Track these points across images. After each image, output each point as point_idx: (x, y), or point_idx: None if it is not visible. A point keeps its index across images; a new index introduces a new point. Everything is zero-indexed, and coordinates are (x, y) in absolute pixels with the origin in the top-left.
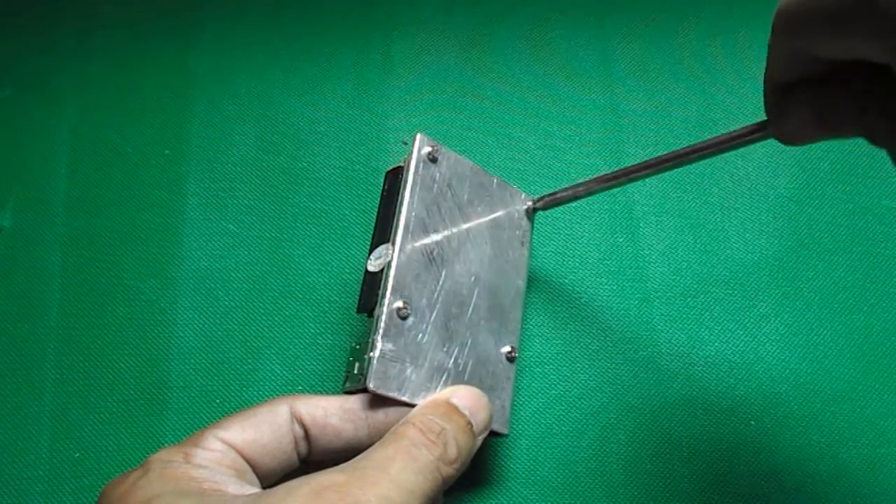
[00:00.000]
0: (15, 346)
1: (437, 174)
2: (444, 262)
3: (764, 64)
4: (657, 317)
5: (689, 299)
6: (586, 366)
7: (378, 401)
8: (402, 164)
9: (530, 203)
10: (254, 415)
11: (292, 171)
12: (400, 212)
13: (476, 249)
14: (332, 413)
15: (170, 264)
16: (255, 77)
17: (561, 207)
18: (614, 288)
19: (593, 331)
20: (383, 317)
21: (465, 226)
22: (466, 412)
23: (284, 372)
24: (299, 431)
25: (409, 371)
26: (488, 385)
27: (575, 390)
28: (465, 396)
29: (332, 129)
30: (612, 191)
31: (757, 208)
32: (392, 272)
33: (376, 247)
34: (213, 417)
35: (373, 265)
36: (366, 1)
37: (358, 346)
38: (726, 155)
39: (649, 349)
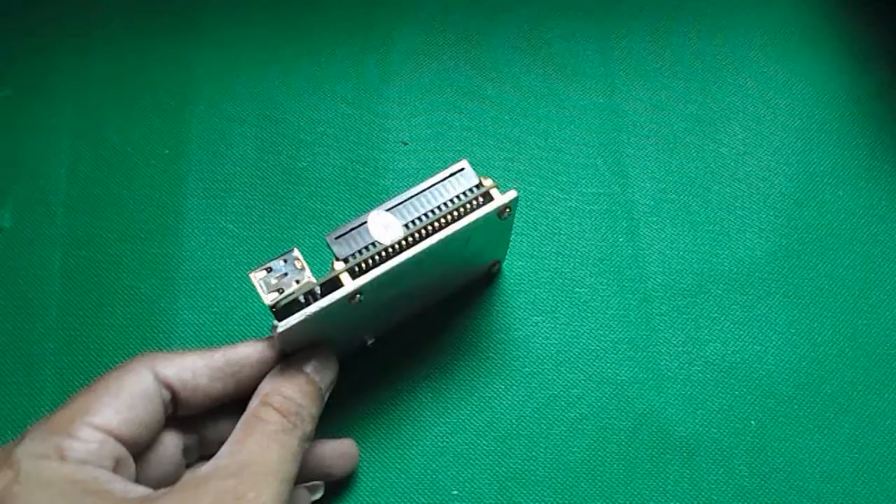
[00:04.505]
0: (15, 345)
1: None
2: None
3: (762, 63)
4: (657, 316)
5: (688, 299)
6: (585, 365)
7: (242, 349)
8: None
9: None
10: (121, 389)
11: (292, 171)
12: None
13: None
14: (201, 374)
15: (170, 264)
16: (255, 77)
17: (560, 208)
18: (614, 288)
19: (593, 331)
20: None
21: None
22: (317, 378)
23: None
24: (167, 395)
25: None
26: None
27: (573, 390)
28: (316, 362)
29: (332, 129)
30: (611, 191)
31: (757, 208)
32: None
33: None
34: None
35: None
36: (366, 1)
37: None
38: (726, 154)
39: (649, 349)
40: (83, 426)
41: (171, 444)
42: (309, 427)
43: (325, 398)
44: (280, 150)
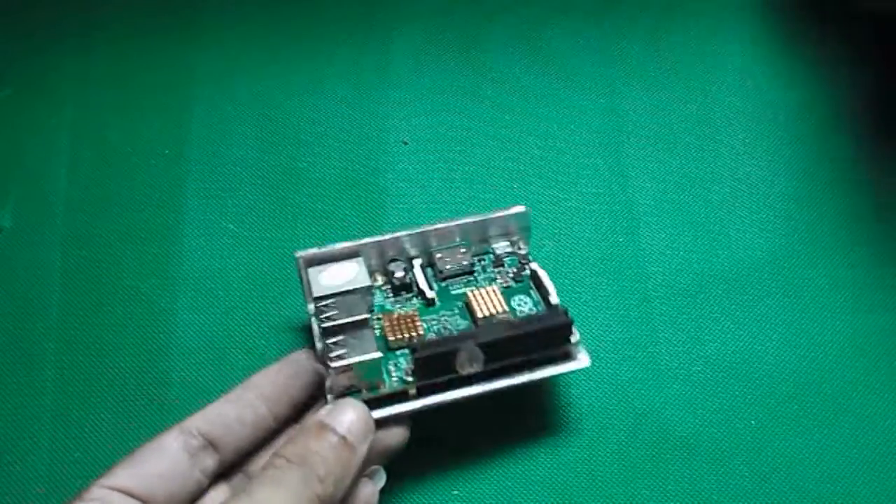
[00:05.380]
0: (15, 345)
1: None
2: None
3: (762, 64)
4: (657, 316)
5: (689, 298)
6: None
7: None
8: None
9: None
10: (139, 450)
11: (292, 171)
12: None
13: None
14: (226, 409)
15: (170, 264)
16: (255, 77)
17: (560, 208)
18: (614, 288)
19: (593, 331)
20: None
21: None
22: (340, 427)
23: None
24: (195, 443)
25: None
26: None
27: (573, 389)
28: (337, 412)
29: (332, 129)
30: (612, 190)
31: (758, 207)
32: None
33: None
34: None
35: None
36: (366, 1)
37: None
38: (726, 154)
39: (648, 348)
40: (93, 488)
41: (218, 498)
42: (321, 469)
43: (363, 448)
44: (280, 150)
